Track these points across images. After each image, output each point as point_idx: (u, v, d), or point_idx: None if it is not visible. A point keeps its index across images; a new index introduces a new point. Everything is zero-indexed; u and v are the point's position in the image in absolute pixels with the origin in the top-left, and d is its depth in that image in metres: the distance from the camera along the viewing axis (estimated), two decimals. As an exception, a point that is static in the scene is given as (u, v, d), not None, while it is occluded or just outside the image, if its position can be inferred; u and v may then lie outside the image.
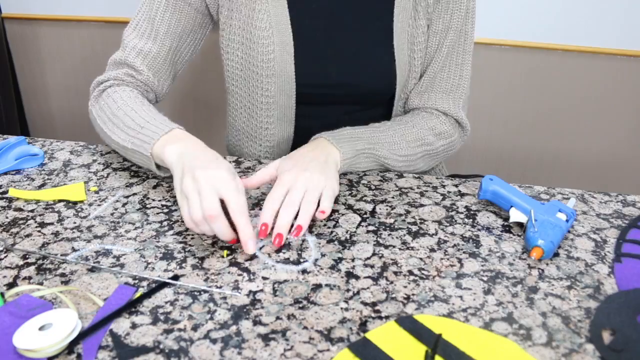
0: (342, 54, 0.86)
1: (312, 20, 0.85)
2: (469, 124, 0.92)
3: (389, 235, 0.68)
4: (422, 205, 0.75)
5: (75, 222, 0.69)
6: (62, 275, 0.60)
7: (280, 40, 0.83)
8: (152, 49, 0.85)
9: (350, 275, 0.60)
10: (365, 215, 0.72)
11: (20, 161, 0.83)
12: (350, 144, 0.79)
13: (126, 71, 0.85)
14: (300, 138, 0.93)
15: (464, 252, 0.65)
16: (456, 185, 0.80)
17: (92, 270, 0.61)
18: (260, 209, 0.72)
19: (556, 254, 0.65)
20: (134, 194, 0.76)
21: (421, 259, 0.64)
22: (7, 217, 0.70)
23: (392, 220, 0.71)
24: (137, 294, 0.57)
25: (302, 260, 0.63)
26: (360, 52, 0.86)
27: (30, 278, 0.59)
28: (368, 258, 0.63)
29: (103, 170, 0.83)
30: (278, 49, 0.83)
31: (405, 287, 0.59)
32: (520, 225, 0.71)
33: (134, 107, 0.78)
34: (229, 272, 0.60)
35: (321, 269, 0.61)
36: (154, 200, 0.75)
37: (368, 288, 0.58)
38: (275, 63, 0.84)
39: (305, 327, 0.53)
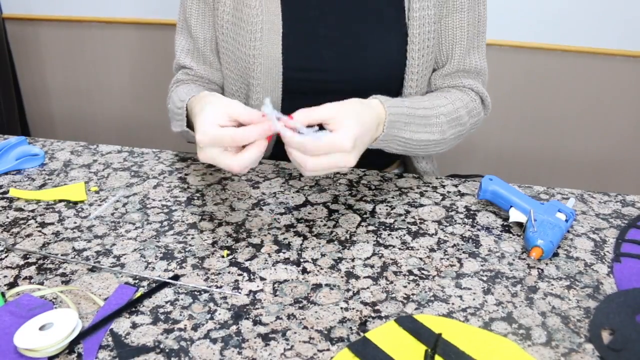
0: (336, 36, 0.83)
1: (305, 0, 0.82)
2: (490, 102, 0.91)
3: (389, 235, 0.68)
4: (421, 205, 0.75)
5: (75, 222, 0.70)
6: (63, 275, 0.60)
7: (268, 20, 0.81)
8: (193, 45, 0.90)
9: (350, 275, 0.61)
10: (365, 215, 0.72)
11: (20, 161, 0.83)
12: (402, 131, 0.73)
13: (182, 71, 0.92)
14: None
15: (463, 252, 0.65)
16: (456, 185, 0.81)
17: (92, 270, 0.61)
18: (261, 209, 0.73)
19: (555, 254, 0.65)
20: (134, 194, 0.76)
21: (421, 258, 0.64)
22: (7, 217, 0.71)
23: (392, 220, 0.71)
24: (138, 294, 0.57)
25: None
26: (356, 34, 0.83)
27: (30, 278, 0.59)
28: (368, 258, 0.64)
29: (103, 170, 0.83)
30: (266, 27, 0.81)
31: (405, 287, 0.59)
32: (519, 225, 0.71)
33: (180, 96, 0.81)
34: (229, 272, 0.61)
35: (321, 268, 0.61)
36: (154, 200, 0.75)
37: (368, 288, 0.59)
38: (262, 43, 0.81)
39: (305, 327, 0.53)
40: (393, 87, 0.87)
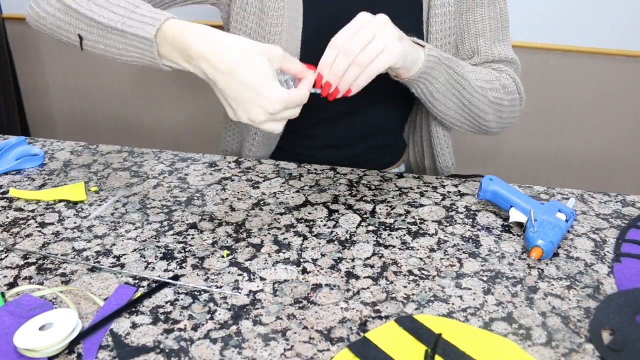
0: None
1: None
2: (523, 92, 0.90)
3: (389, 235, 0.68)
4: (421, 205, 0.75)
5: (75, 222, 0.70)
6: (63, 275, 0.60)
7: (290, 15, 0.82)
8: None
9: (350, 275, 0.61)
10: (365, 215, 0.72)
11: (20, 161, 0.83)
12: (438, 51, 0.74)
13: None
14: (293, 125, 0.91)
15: (463, 252, 0.65)
16: (456, 185, 0.81)
17: (92, 270, 0.61)
18: (261, 209, 0.73)
19: (556, 254, 0.65)
20: (134, 194, 0.76)
21: (421, 258, 0.64)
22: (7, 217, 0.71)
23: (392, 220, 0.71)
24: (137, 294, 0.57)
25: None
26: None
27: (30, 278, 0.59)
28: (368, 258, 0.63)
29: (103, 170, 0.83)
30: (287, 22, 0.82)
31: (405, 287, 0.59)
32: (520, 225, 0.71)
33: None
34: (229, 272, 0.60)
35: (321, 269, 0.61)
36: (154, 200, 0.75)
37: (368, 288, 0.59)
38: (282, 37, 0.82)
39: (305, 327, 0.53)
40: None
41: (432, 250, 0.65)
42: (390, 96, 0.91)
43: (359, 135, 0.95)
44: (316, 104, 0.89)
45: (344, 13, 0.84)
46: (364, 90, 0.87)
